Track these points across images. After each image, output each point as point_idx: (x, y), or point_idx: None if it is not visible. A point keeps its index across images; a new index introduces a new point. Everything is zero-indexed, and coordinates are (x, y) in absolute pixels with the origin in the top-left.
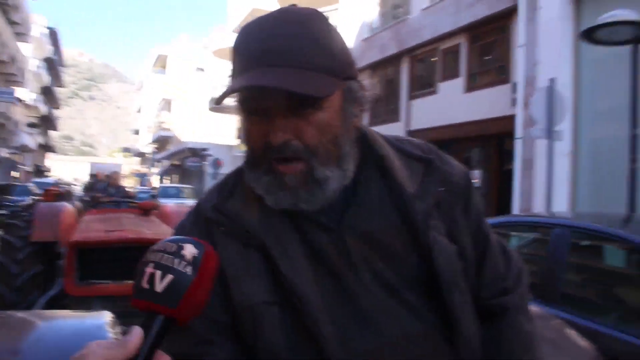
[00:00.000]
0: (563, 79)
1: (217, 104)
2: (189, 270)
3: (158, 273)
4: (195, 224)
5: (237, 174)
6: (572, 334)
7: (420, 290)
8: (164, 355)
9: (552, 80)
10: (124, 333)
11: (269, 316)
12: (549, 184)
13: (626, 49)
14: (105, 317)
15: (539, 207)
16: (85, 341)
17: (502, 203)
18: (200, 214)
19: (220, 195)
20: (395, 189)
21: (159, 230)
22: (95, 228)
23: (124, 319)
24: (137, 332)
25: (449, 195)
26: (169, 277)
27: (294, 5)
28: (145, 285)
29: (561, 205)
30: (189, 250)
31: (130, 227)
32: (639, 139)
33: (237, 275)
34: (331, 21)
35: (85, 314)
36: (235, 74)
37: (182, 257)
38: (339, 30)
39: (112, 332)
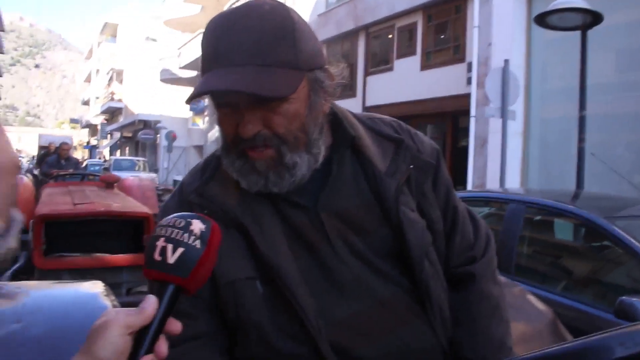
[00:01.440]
0: (516, 60)
1: (187, 103)
2: (198, 243)
3: (169, 246)
4: (179, 206)
5: (218, 158)
6: (532, 299)
7: (392, 259)
8: (175, 321)
9: (506, 62)
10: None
11: (251, 290)
12: (503, 162)
13: (576, 33)
14: (98, 287)
15: (492, 183)
16: (84, 309)
17: (457, 179)
18: (183, 196)
19: (202, 179)
20: (368, 168)
21: (126, 204)
22: (61, 201)
23: None
24: (152, 300)
25: (418, 172)
26: (180, 249)
27: None
28: (157, 257)
29: (513, 182)
30: (197, 225)
31: (98, 200)
32: (586, 120)
33: (220, 254)
34: None
35: (77, 284)
36: (203, 70)
37: (190, 232)
38: (302, 14)
39: (108, 301)
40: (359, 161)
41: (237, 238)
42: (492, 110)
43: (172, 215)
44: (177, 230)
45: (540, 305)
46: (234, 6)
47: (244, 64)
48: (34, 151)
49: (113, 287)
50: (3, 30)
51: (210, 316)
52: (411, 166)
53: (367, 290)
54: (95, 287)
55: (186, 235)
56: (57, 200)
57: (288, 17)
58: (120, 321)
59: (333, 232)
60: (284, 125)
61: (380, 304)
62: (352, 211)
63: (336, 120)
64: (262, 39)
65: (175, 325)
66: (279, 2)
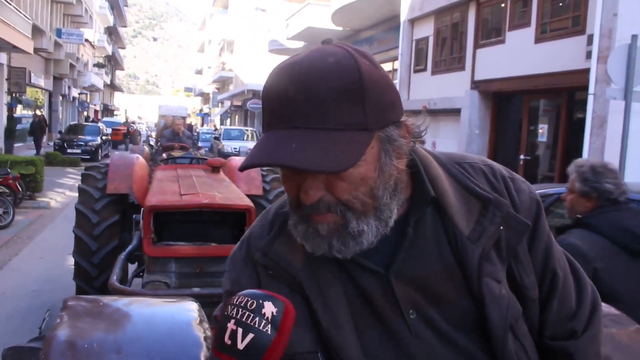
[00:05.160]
0: None
1: (241, 171)
2: (268, 329)
3: (240, 330)
4: (245, 263)
5: (285, 214)
6: None
7: (472, 333)
8: None
9: (633, 37)
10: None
11: None
12: (623, 145)
13: None
14: (192, 311)
15: None
16: (178, 341)
17: (570, 157)
18: (250, 251)
19: (268, 237)
20: (449, 228)
21: (230, 194)
22: (169, 190)
23: (197, 279)
24: None
25: (510, 233)
26: (250, 335)
27: (329, 39)
28: (227, 340)
29: (634, 167)
30: (269, 308)
31: (203, 189)
32: None
33: None
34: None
35: (174, 305)
36: (263, 127)
37: (262, 315)
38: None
39: (200, 332)
40: (441, 219)
41: (301, 304)
42: (614, 91)
43: (245, 293)
44: (248, 313)
45: None
46: (297, 56)
47: (305, 127)
48: (154, 118)
49: (215, 275)
50: (127, 5)
51: None
52: (501, 227)
53: None
54: (189, 312)
55: (257, 319)
56: (166, 189)
57: (355, 71)
58: None
59: (405, 302)
60: (349, 190)
61: None
62: (429, 279)
63: (416, 174)
64: (325, 100)
65: None
66: (347, 51)
